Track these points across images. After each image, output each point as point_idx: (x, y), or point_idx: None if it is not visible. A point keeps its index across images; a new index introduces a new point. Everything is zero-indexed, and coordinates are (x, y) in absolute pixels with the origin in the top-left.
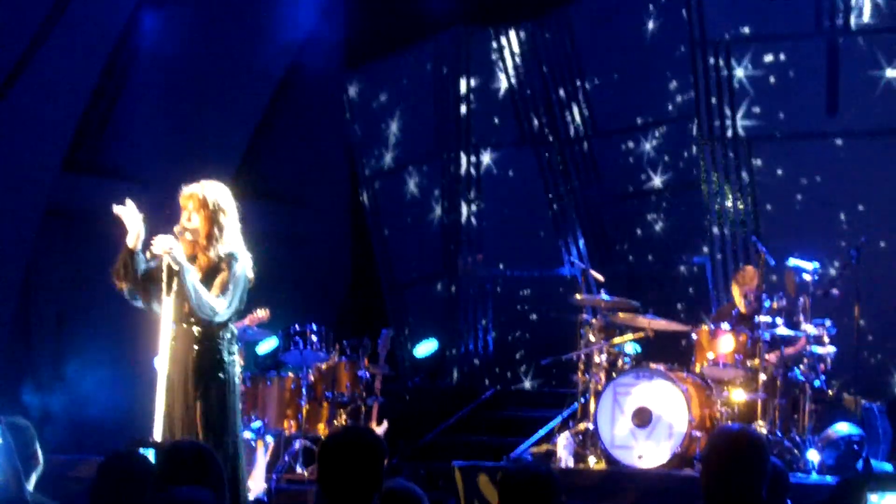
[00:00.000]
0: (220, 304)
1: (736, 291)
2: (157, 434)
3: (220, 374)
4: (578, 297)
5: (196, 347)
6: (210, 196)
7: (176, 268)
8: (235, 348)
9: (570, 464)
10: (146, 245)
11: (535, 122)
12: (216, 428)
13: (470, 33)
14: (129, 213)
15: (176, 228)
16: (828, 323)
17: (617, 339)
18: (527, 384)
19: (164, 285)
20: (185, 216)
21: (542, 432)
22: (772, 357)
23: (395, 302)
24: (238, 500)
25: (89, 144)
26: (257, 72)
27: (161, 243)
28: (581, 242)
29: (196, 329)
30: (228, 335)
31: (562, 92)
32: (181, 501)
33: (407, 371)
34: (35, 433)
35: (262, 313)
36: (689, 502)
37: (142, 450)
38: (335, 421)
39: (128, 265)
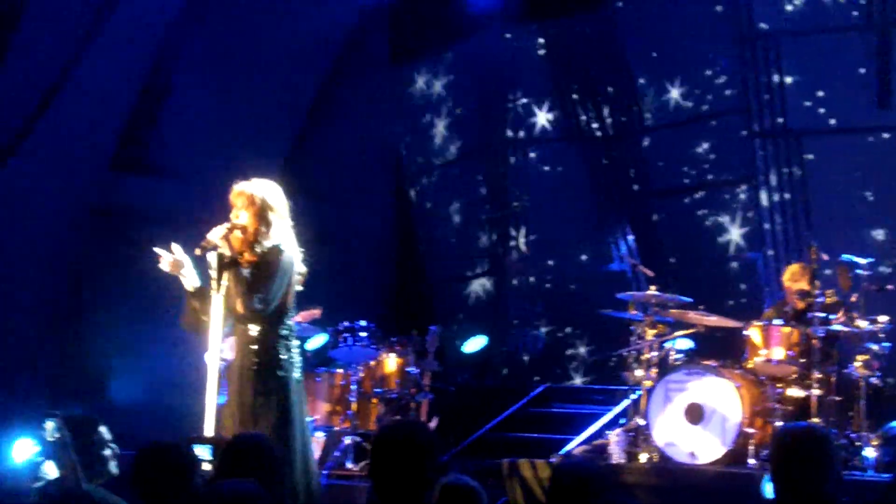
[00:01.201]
0: (266, 297)
1: (789, 287)
2: (208, 430)
3: (279, 372)
4: (628, 293)
5: (253, 347)
6: (258, 193)
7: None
8: (294, 344)
9: (622, 460)
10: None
11: (583, 117)
12: (278, 426)
13: (516, 28)
14: (169, 260)
15: (225, 225)
16: (883, 319)
17: (668, 336)
18: (577, 381)
19: (213, 281)
20: (234, 213)
21: (592, 429)
22: (826, 353)
23: (443, 298)
24: (311, 497)
25: (136, 143)
26: (303, 69)
27: (213, 234)
28: (630, 238)
29: (252, 328)
30: (285, 332)
31: (609, 87)
32: (224, 492)
33: (455, 367)
34: (99, 424)
35: (315, 311)
36: (741, 499)
37: (194, 446)
38: (385, 418)
39: (196, 308)
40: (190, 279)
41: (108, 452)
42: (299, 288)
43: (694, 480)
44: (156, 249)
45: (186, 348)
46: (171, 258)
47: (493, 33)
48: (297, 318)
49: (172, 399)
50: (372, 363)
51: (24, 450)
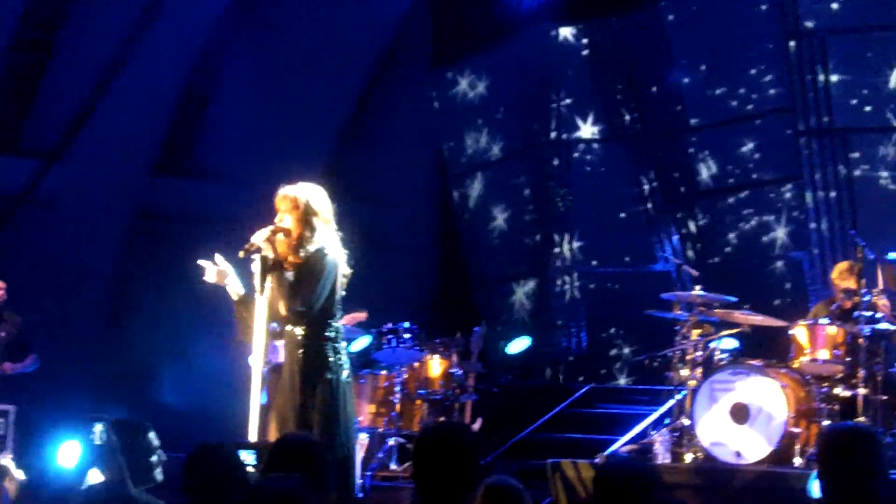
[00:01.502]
0: (309, 299)
1: (837, 285)
2: (252, 433)
3: (328, 375)
4: (673, 293)
5: (301, 350)
6: (302, 197)
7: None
8: (342, 346)
9: (667, 461)
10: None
11: (627, 117)
12: (326, 428)
13: (559, 28)
14: (213, 271)
15: (269, 228)
16: None
17: (713, 336)
18: (621, 381)
19: (257, 284)
20: (278, 216)
21: (637, 429)
22: (872, 352)
23: (487, 299)
24: (349, 499)
25: (180, 146)
26: (346, 71)
27: (257, 237)
28: (675, 238)
29: (300, 331)
30: (333, 334)
31: (653, 87)
32: (269, 487)
33: (499, 368)
34: (148, 430)
35: (360, 314)
36: (786, 499)
37: (239, 451)
38: (429, 419)
39: (244, 316)
40: (234, 287)
41: (154, 459)
42: (344, 292)
43: (739, 480)
44: (200, 262)
45: (231, 351)
46: (216, 269)
47: (537, 33)
48: (342, 321)
49: (217, 402)
50: (416, 364)
51: (71, 453)
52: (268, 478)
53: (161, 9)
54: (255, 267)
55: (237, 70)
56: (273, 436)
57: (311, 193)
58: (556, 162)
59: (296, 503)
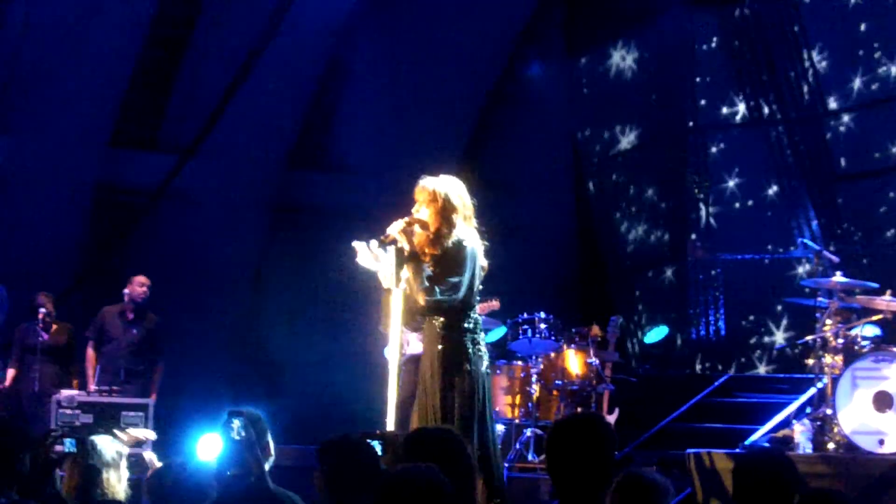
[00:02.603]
0: (447, 291)
1: None
2: (390, 424)
3: (466, 366)
4: (813, 279)
5: (440, 341)
6: (441, 191)
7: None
8: (481, 337)
9: (809, 450)
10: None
11: (763, 101)
12: (464, 419)
13: (696, 14)
14: (366, 254)
15: (404, 219)
16: None
17: (854, 323)
18: (761, 369)
19: (393, 275)
20: (415, 207)
21: (777, 418)
22: None
23: (623, 289)
24: (493, 490)
25: (314, 140)
26: (479, 61)
27: (392, 228)
28: (814, 223)
29: (438, 322)
30: (471, 325)
31: (791, 71)
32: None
33: (637, 358)
34: (267, 424)
35: (493, 302)
36: None
37: (371, 441)
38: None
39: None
40: (385, 275)
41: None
42: (480, 286)
43: (883, 469)
44: (354, 244)
45: (364, 343)
46: (369, 253)
47: (673, 20)
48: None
49: (353, 394)
50: (552, 355)
51: (209, 446)
52: (405, 466)
53: (292, 4)
54: (391, 258)
55: (370, 62)
56: (413, 427)
57: (451, 188)
58: (693, 148)
59: (434, 491)
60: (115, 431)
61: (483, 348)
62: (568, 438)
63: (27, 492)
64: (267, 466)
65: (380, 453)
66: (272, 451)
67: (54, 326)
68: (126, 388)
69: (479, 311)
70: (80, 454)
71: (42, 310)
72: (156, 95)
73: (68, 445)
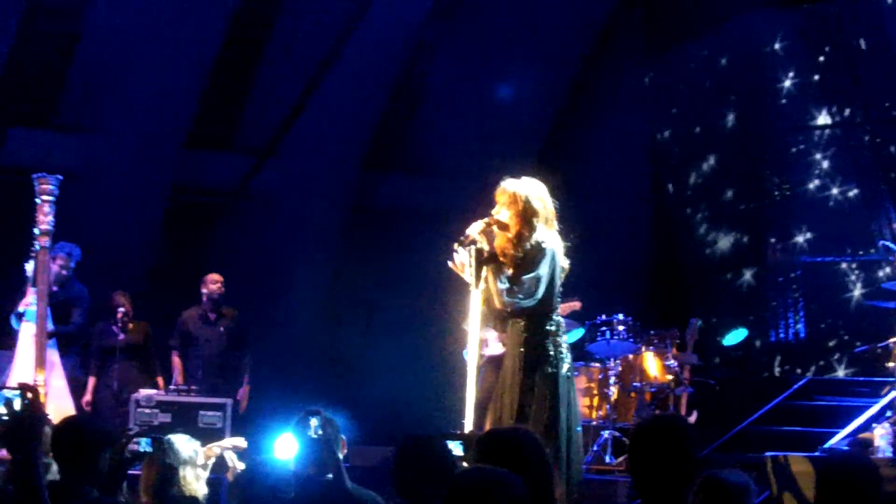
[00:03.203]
0: (527, 293)
1: None
2: (468, 425)
3: (548, 368)
4: (893, 282)
5: (522, 343)
6: (521, 193)
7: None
8: (563, 340)
9: (889, 453)
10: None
11: (845, 103)
12: (543, 423)
13: (774, 14)
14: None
15: (483, 220)
16: None
17: None
18: (840, 372)
19: (472, 276)
20: (495, 209)
21: (857, 422)
22: None
23: (701, 291)
24: (571, 493)
25: (392, 141)
26: (557, 61)
27: (472, 230)
28: (895, 226)
29: (521, 324)
30: (553, 327)
31: (873, 71)
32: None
33: (715, 360)
34: (339, 424)
35: (574, 303)
36: None
37: (449, 442)
38: (644, 412)
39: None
40: (472, 279)
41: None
42: (560, 287)
43: None
44: (455, 245)
45: (441, 343)
46: (459, 259)
47: (754, 19)
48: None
49: (432, 394)
50: (630, 357)
51: (287, 446)
52: (475, 467)
53: (371, 3)
54: (470, 259)
55: (448, 63)
56: (487, 428)
57: (532, 190)
58: (773, 150)
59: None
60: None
61: (565, 351)
62: (651, 441)
63: (105, 490)
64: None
65: (461, 453)
66: (344, 451)
67: (131, 326)
68: (217, 384)
69: (561, 311)
70: (156, 453)
71: (120, 309)
72: (233, 96)
73: (144, 445)
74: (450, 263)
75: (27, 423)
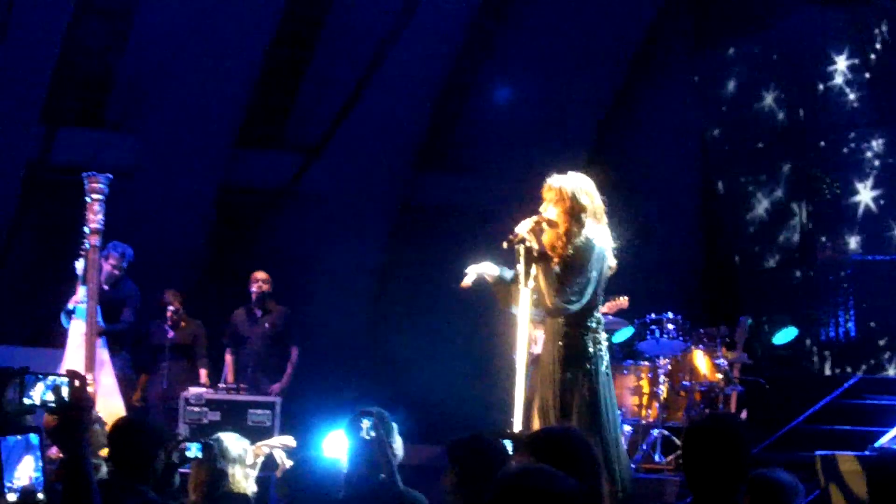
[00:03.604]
0: (576, 291)
1: None
2: (517, 423)
3: (587, 366)
4: None
5: (561, 341)
6: (568, 189)
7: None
8: (602, 337)
9: None
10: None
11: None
12: (585, 420)
13: (824, 13)
14: (475, 277)
15: (532, 218)
16: None
17: None
18: (891, 371)
19: (521, 274)
20: (543, 206)
21: None
22: None
23: (751, 289)
24: (623, 489)
25: (441, 141)
26: (605, 59)
27: (521, 228)
28: None
29: (560, 321)
30: (593, 324)
31: None
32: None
33: (765, 359)
34: (393, 424)
35: (621, 301)
36: None
37: (501, 440)
38: (694, 410)
39: (503, 293)
40: (489, 272)
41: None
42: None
43: None
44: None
45: (489, 343)
46: (472, 278)
47: (804, 18)
48: (603, 310)
49: (474, 393)
50: (680, 355)
51: (336, 444)
52: (522, 466)
53: (420, 3)
54: (520, 257)
55: (496, 62)
56: (535, 427)
57: (579, 186)
58: (822, 146)
59: (548, 491)
60: (252, 447)
61: (604, 347)
62: (707, 439)
63: (158, 490)
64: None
65: (511, 452)
66: (399, 451)
67: (182, 324)
68: (264, 382)
69: (608, 309)
70: (206, 458)
71: (170, 307)
72: (282, 95)
73: (195, 450)
74: (466, 280)
75: (75, 410)
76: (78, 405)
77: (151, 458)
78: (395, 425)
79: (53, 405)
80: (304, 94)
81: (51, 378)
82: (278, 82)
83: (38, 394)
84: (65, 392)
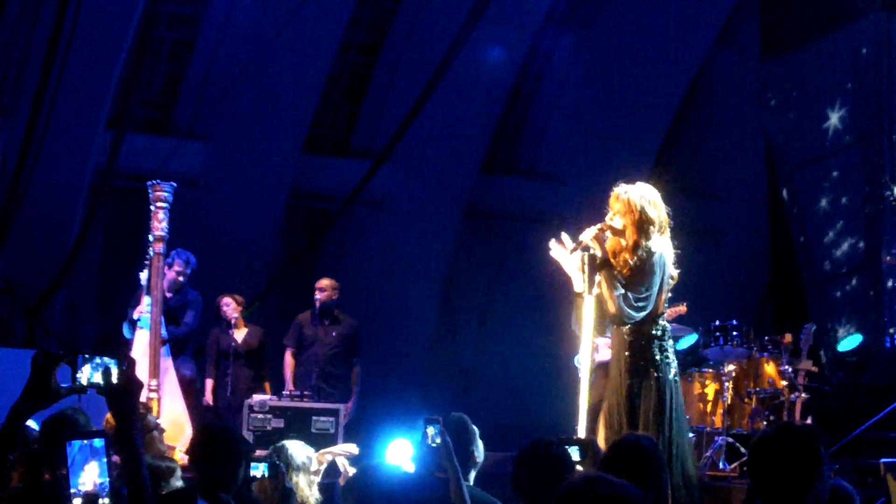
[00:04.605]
0: (639, 300)
1: None
2: (581, 431)
3: (655, 373)
4: None
5: (627, 348)
6: (636, 201)
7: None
8: (669, 345)
9: None
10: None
11: None
12: (652, 428)
13: (892, 17)
14: (561, 253)
15: (597, 226)
16: None
17: None
18: None
19: (585, 282)
20: (609, 215)
21: None
22: None
23: (816, 296)
24: (690, 497)
25: (508, 146)
26: (672, 66)
27: (585, 235)
28: None
29: (626, 329)
30: (659, 332)
31: None
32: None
33: (830, 366)
34: (475, 430)
35: (680, 307)
36: None
37: (568, 447)
38: (759, 417)
39: (580, 308)
40: (578, 281)
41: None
42: (670, 293)
43: None
44: (552, 242)
45: (556, 349)
46: (561, 249)
47: (872, 22)
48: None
49: (541, 399)
50: (744, 362)
51: (401, 451)
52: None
53: (487, 7)
54: (584, 264)
55: (564, 68)
56: (600, 434)
57: (646, 198)
58: (889, 154)
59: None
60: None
61: (671, 355)
62: (780, 449)
63: (239, 501)
64: (473, 473)
65: (578, 458)
66: (478, 458)
67: (246, 330)
68: (324, 391)
69: (668, 316)
70: (272, 475)
71: (226, 310)
72: (349, 101)
73: (262, 469)
74: (552, 252)
75: (124, 392)
76: (127, 387)
77: (237, 468)
78: (476, 430)
79: (101, 386)
80: (372, 100)
81: (99, 359)
82: (346, 88)
83: (86, 375)
84: (114, 374)
